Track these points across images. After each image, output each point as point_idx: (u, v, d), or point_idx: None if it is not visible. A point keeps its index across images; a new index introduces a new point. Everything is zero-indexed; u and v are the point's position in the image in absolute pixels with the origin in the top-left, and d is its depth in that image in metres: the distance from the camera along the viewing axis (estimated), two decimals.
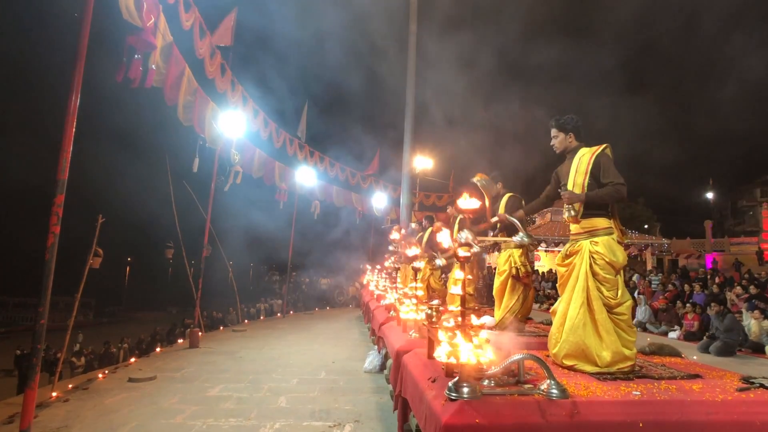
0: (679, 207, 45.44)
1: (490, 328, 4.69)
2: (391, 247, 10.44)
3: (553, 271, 20.38)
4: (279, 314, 17.62)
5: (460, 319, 2.74)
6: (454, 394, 2.40)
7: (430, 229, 8.60)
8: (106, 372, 6.91)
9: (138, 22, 6.69)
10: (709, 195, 41.36)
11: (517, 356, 2.64)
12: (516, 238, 3.80)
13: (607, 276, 3.23)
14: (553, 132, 3.67)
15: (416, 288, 5.43)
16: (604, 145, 3.47)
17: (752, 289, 11.31)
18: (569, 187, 3.46)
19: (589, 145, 3.58)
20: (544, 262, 25.56)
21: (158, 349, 9.52)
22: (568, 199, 3.40)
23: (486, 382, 2.63)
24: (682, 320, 11.08)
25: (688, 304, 11.26)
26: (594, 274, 3.26)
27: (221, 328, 13.63)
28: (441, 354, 2.76)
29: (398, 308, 6.12)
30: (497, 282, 5.27)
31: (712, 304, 9.59)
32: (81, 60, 4.68)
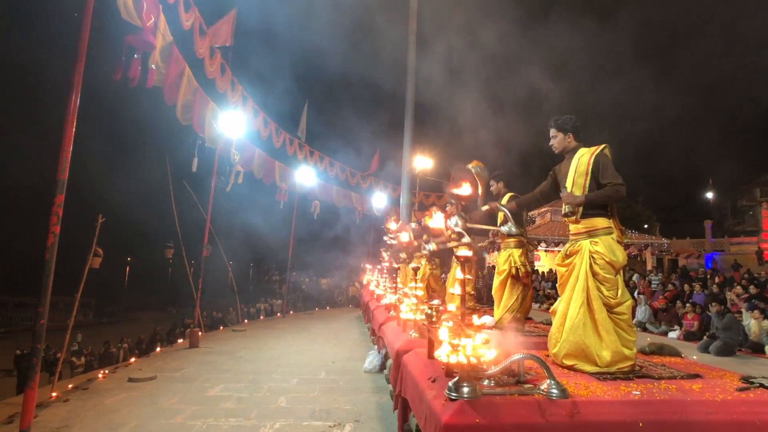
0: (679, 207, 45.47)
1: (490, 328, 4.69)
2: (385, 238, 10.44)
3: (553, 271, 20.39)
4: (279, 314, 17.62)
5: (459, 318, 2.74)
6: (454, 394, 2.40)
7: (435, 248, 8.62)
8: (106, 372, 6.91)
9: (137, 22, 6.69)
10: (709, 195, 41.38)
11: (517, 356, 2.64)
12: (504, 228, 3.81)
13: (607, 276, 3.24)
14: (552, 132, 3.68)
15: (416, 288, 5.43)
16: (603, 146, 3.47)
17: (752, 289, 11.32)
18: (568, 187, 3.46)
19: (587, 145, 3.58)
20: (544, 261, 25.57)
21: (158, 349, 9.52)
22: (567, 201, 3.40)
23: (486, 382, 2.63)
24: (682, 320, 11.09)
25: (687, 304, 11.27)
26: (594, 274, 3.26)
27: (221, 328, 13.63)
28: (441, 354, 2.76)
29: (398, 308, 6.12)
30: (496, 281, 5.27)
31: (713, 303, 9.60)
32: (81, 60, 4.67)
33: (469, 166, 3.59)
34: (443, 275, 8.12)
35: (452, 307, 3.25)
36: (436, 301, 4.68)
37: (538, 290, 17.24)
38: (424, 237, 8.87)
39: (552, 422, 2.31)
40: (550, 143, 3.71)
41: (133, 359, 8.31)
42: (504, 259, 5.25)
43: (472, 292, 6.61)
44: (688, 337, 10.42)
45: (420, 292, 5.27)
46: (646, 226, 34.69)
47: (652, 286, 15.09)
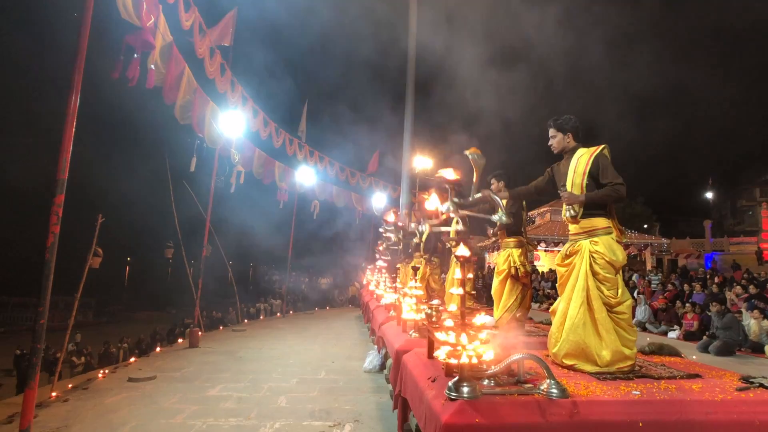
0: (679, 207, 45.50)
1: (490, 328, 4.69)
2: (381, 229, 10.44)
3: (553, 271, 20.39)
4: (279, 314, 17.63)
5: (459, 318, 2.74)
6: (454, 394, 2.40)
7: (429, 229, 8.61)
8: (106, 372, 6.92)
9: (136, 22, 6.68)
10: (709, 195, 41.40)
11: (516, 356, 2.64)
12: (495, 217, 3.81)
13: (608, 275, 3.24)
14: (551, 132, 3.68)
15: (416, 288, 5.43)
16: (602, 146, 3.48)
17: (752, 289, 11.33)
18: (568, 187, 3.47)
19: (586, 145, 3.58)
20: (543, 261, 25.58)
21: (158, 349, 9.52)
22: (567, 201, 3.41)
23: (486, 382, 2.63)
24: (682, 320, 11.09)
25: (687, 304, 11.28)
26: (594, 274, 3.27)
27: (221, 327, 13.63)
28: (441, 354, 2.77)
29: (398, 308, 6.13)
30: (496, 281, 5.28)
31: (713, 303, 9.61)
32: (81, 60, 4.68)
33: (467, 152, 3.59)
34: (443, 275, 8.12)
35: (452, 307, 3.25)
36: (436, 301, 4.69)
37: (538, 290, 17.25)
38: (419, 221, 8.88)
39: (552, 422, 2.31)
40: (549, 143, 3.72)
41: (132, 359, 8.31)
42: (503, 259, 5.25)
43: (472, 292, 6.62)
44: (688, 336, 10.42)
45: (420, 292, 5.27)
46: (645, 226, 34.71)
47: (652, 285, 15.11)
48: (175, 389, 5.77)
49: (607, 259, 3.24)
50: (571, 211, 3.42)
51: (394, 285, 8.85)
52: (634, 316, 11.28)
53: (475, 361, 2.54)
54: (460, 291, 2.81)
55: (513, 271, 5.13)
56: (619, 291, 3.25)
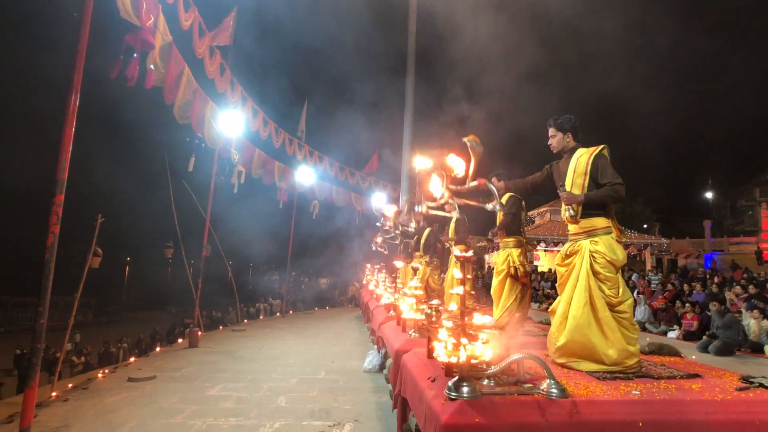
0: (679, 206, 45.52)
1: (489, 328, 4.69)
2: (379, 224, 10.45)
3: (552, 271, 20.39)
4: (278, 314, 17.62)
5: (459, 318, 2.74)
6: (453, 394, 2.40)
7: (428, 230, 8.62)
8: (106, 371, 6.92)
9: (136, 21, 6.68)
10: (709, 195, 41.41)
11: (516, 356, 2.64)
12: (489, 206, 3.81)
13: (609, 274, 3.25)
14: (551, 131, 3.69)
15: (415, 287, 5.43)
16: (601, 146, 3.48)
17: (751, 289, 11.32)
18: (567, 187, 3.47)
19: (586, 145, 3.59)
20: (543, 261, 25.58)
21: (158, 349, 9.52)
22: (567, 200, 3.42)
23: (486, 382, 2.63)
24: (682, 320, 11.09)
25: (687, 304, 11.27)
26: (595, 273, 3.27)
27: (221, 327, 13.63)
28: (440, 353, 2.77)
29: (398, 308, 6.13)
30: (495, 281, 5.28)
31: (714, 302, 9.62)
32: (80, 60, 4.67)
33: (465, 139, 3.59)
34: (442, 275, 8.13)
35: (452, 306, 3.25)
36: (435, 301, 4.69)
37: (538, 290, 17.25)
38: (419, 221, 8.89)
39: (552, 422, 2.31)
40: (549, 142, 3.72)
41: (132, 359, 8.31)
42: (503, 259, 5.25)
43: (472, 292, 6.62)
44: (688, 336, 10.42)
45: (419, 292, 5.27)
46: (645, 225, 34.70)
47: (652, 285, 15.11)
48: (174, 389, 5.77)
49: (608, 258, 3.25)
50: (570, 211, 3.43)
51: (393, 285, 8.85)
52: (633, 315, 11.30)
53: (474, 360, 2.54)
54: (460, 291, 2.81)
55: (512, 271, 5.13)
56: (620, 290, 3.26)
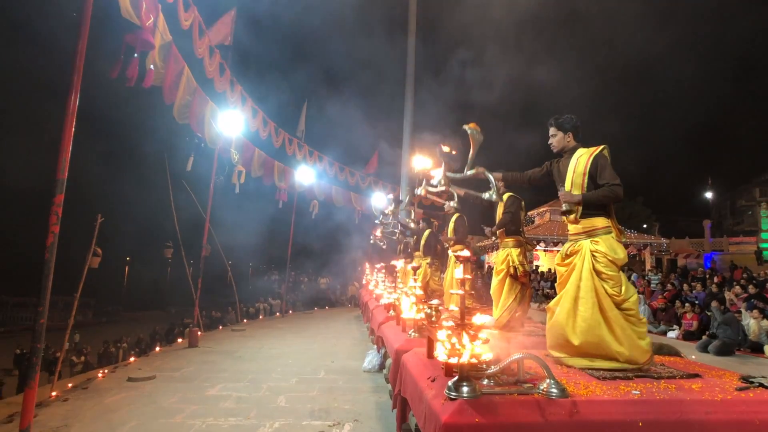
0: (678, 206, 45.52)
1: (489, 328, 4.69)
2: (377, 221, 10.48)
3: (552, 271, 20.39)
4: (278, 314, 17.62)
5: (459, 318, 2.74)
6: (453, 394, 2.40)
7: (428, 231, 8.63)
8: (106, 371, 6.91)
9: (136, 21, 6.68)
10: (708, 194, 41.39)
11: (516, 355, 2.64)
12: (486, 195, 3.82)
13: (611, 273, 3.27)
14: (552, 131, 3.70)
15: (415, 287, 5.43)
16: (602, 146, 3.50)
17: (751, 289, 11.32)
18: (567, 187, 3.49)
19: (586, 145, 3.60)
20: (543, 261, 25.58)
21: (157, 349, 9.52)
22: (564, 199, 3.44)
23: (485, 382, 2.63)
24: (681, 320, 11.09)
25: (687, 304, 11.28)
26: (598, 273, 3.29)
27: (220, 327, 13.62)
28: (440, 353, 2.77)
29: (397, 308, 6.13)
30: (495, 281, 5.28)
31: (714, 301, 9.64)
32: (80, 60, 4.67)
33: (466, 126, 3.59)
34: (442, 275, 8.13)
35: (452, 306, 3.26)
36: (435, 301, 4.69)
37: (537, 290, 17.26)
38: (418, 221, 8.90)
39: (552, 421, 2.31)
40: (549, 141, 3.74)
41: (132, 359, 8.31)
42: (502, 259, 5.25)
43: (472, 292, 6.62)
44: (687, 336, 10.43)
45: (419, 292, 5.28)
46: (645, 225, 34.70)
47: (651, 285, 15.11)
48: (174, 389, 5.77)
49: (609, 258, 3.27)
50: (568, 208, 3.45)
51: (393, 284, 8.85)
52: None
53: (474, 360, 2.54)
54: (460, 291, 2.81)
55: (512, 270, 5.13)
56: (623, 288, 3.28)
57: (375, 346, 7.64)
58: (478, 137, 3.59)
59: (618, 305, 3.25)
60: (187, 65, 8.93)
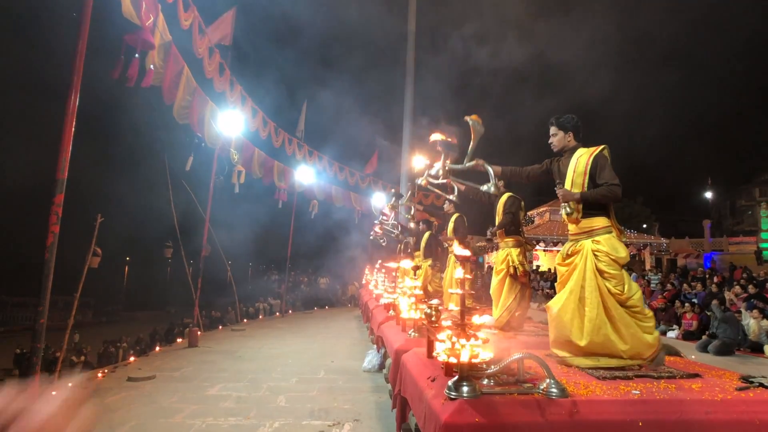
0: (678, 206, 45.51)
1: (489, 328, 4.69)
2: (376, 222, 10.49)
3: (552, 271, 20.40)
4: (278, 314, 17.62)
5: (459, 318, 2.74)
6: (453, 393, 2.40)
7: (428, 233, 8.64)
8: (106, 371, 6.91)
9: (137, 21, 6.68)
10: (708, 194, 41.39)
11: (516, 355, 2.64)
12: (484, 187, 3.82)
13: (613, 272, 3.28)
14: (552, 130, 3.71)
15: (415, 287, 5.43)
16: (602, 146, 3.51)
17: (751, 289, 11.33)
18: (567, 186, 3.50)
19: (587, 145, 3.61)
20: (542, 261, 25.59)
21: (157, 349, 9.52)
22: (563, 198, 3.46)
23: (485, 381, 2.63)
24: (681, 319, 11.10)
25: (686, 304, 11.29)
26: (600, 272, 3.29)
27: (220, 327, 13.61)
28: (440, 353, 2.77)
29: (397, 307, 6.12)
30: (495, 281, 5.28)
31: (715, 300, 9.65)
32: (80, 60, 4.68)
33: (467, 118, 3.59)
34: (441, 276, 8.13)
35: (452, 306, 3.26)
36: (435, 301, 4.69)
37: (537, 290, 17.26)
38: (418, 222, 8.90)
39: (551, 421, 2.31)
40: (550, 141, 3.74)
41: (132, 358, 8.30)
42: (502, 259, 5.25)
43: (471, 292, 6.62)
44: (687, 336, 10.44)
45: (419, 292, 5.27)
46: (645, 225, 34.72)
47: (651, 285, 15.12)
48: (174, 389, 5.77)
49: (612, 257, 3.29)
50: (567, 209, 3.45)
51: (393, 284, 8.85)
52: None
53: (474, 360, 2.54)
54: (460, 291, 2.81)
55: (512, 270, 5.13)
56: (626, 286, 3.29)
57: (375, 346, 7.64)
58: (480, 129, 3.59)
59: (622, 303, 3.27)
60: (187, 65, 8.93)
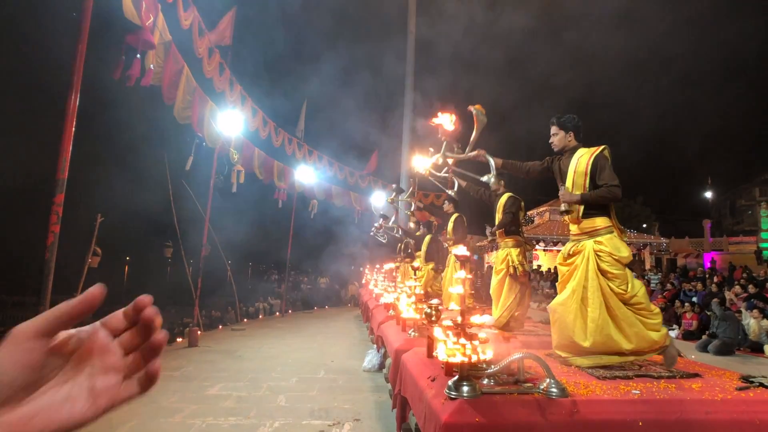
0: (678, 206, 45.51)
1: (489, 327, 4.70)
2: (376, 225, 10.52)
3: (552, 270, 20.39)
4: (278, 313, 17.62)
5: (459, 318, 2.74)
6: (453, 393, 2.40)
7: (429, 237, 8.66)
8: None
9: (138, 21, 6.67)
10: (708, 194, 41.38)
11: (516, 355, 2.64)
12: (484, 178, 3.83)
13: (617, 272, 3.29)
14: (553, 129, 3.71)
15: (415, 287, 5.43)
16: (602, 147, 3.51)
17: (751, 288, 11.34)
18: (568, 186, 3.51)
19: (587, 145, 3.61)
20: (542, 261, 25.58)
21: None
22: (563, 198, 3.47)
23: (486, 381, 2.63)
24: (681, 319, 11.10)
25: (686, 303, 11.29)
26: (603, 273, 3.30)
27: (220, 327, 13.59)
28: (440, 353, 2.77)
29: (397, 307, 6.13)
30: (494, 281, 5.28)
31: (715, 299, 9.66)
32: (81, 60, 4.68)
33: (471, 107, 3.59)
34: (441, 276, 8.14)
35: (452, 306, 3.26)
36: (435, 301, 4.69)
37: (537, 289, 17.26)
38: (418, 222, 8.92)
39: (552, 421, 2.31)
40: (550, 140, 3.75)
41: None
42: (502, 259, 5.25)
43: (471, 291, 6.62)
44: (687, 336, 10.44)
45: (419, 291, 5.27)
46: (644, 225, 34.71)
47: (651, 285, 15.12)
48: (174, 388, 5.77)
49: (615, 256, 3.30)
50: (568, 209, 3.46)
51: (393, 284, 8.86)
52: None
53: (474, 360, 2.54)
54: (460, 290, 2.81)
55: (512, 270, 5.13)
56: (629, 285, 3.29)
57: (375, 346, 7.64)
58: (483, 119, 3.59)
59: (626, 302, 3.27)
60: (187, 65, 8.93)
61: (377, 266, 12.85)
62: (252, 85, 13.98)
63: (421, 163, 4.78)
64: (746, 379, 2.87)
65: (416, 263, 7.42)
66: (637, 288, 3.30)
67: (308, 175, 17.72)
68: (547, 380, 2.49)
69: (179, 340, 10.56)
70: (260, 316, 17.81)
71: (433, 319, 4.30)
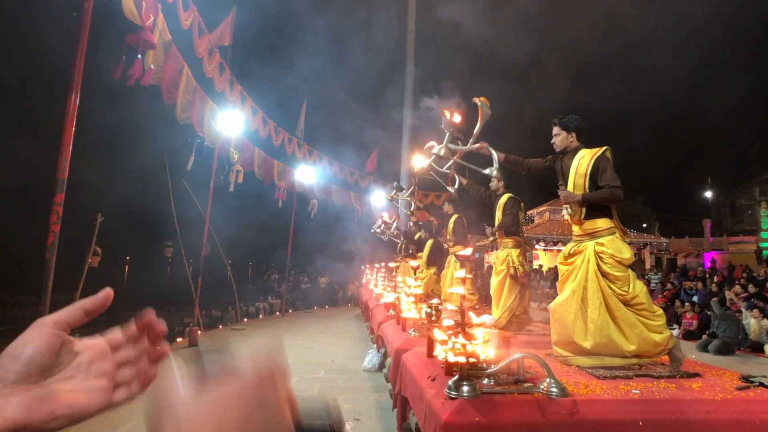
0: (678, 206, 45.52)
1: (489, 327, 4.69)
2: (375, 228, 10.54)
3: (552, 270, 20.38)
4: (278, 313, 17.61)
5: (459, 318, 2.74)
6: (453, 393, 2.40)
7: (431, 241, 8.67)
8: None
9: (138, 21, 6.67)
10: (708, 194, 41.37)
11: (516, 355, 2.64)
12: (486, 171, 3.83)
13: (619, 273, 3.28)
14: (555, 130, 3.71)
15: (415, 286, 5.43)
16: (604, 148, 3.51)
17: (751, 288, 11.33)
18: (569, 187, 3.51)
19: (589, 146, 3.61)
20: (542, 260, 25.58)
21: None
22: (564, 199, 3.47)
23: (486, 381, 2.63)
24: (681, 319, 11.10)
25: (686, 303, 11.29)
26: (605, 274, 3.29)
27: (220, 327, 13.60)
28: (440, 352, 2.77)
29: (397, 307, 6.12)
30: (495, 281, 5.27)
31: (715, 298, 9.66)
32: (81, 60, 4.68)
33: (476, 99, 3.59)
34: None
35: (452, 305, 3.26)
36: (435, 300, 4.69)
37: (537, 289, 17.25)
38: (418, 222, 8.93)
39: (552, 421, 2.31)
40: (552, 141, 3.74)
41: None
42: (502, 259, 5.25)
43: (471, 291, 6.62)
44: (687, 336, 10.44)
45: (419, 291, 5.27)
46: (645, 225, 34.70)
47: (651, 285, 15.12)
48: None
49: (617, 258, 3.29)
50: (569, 209, 3.46)
51: (393, 283, 8.86)
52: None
53: (474, 360, 2.54)
54: (460, 290, 2.81)
55: (512, 271, 5.13)
56: (631, 286, 3.29)
57: (375, 346, 7.64)
58: (487, 111, 3.59)
59: (626, 303, 3.26)
60: (187, 65, 8.92)
61: (377, 266, 12.83)
62: (252, 85, 13.99)
63: (423, 155, 4.78)
64: (746, 378, 2.87)
65: (415, 263, 7.43)
66: (638, 288, 3.30)
67: (308, 174, 17.72)
68: (548, 380, 2.49)
69: (179, 339, 10.57)
70: (260, 316, 17.80)
71: (433, 319, 4.30)
